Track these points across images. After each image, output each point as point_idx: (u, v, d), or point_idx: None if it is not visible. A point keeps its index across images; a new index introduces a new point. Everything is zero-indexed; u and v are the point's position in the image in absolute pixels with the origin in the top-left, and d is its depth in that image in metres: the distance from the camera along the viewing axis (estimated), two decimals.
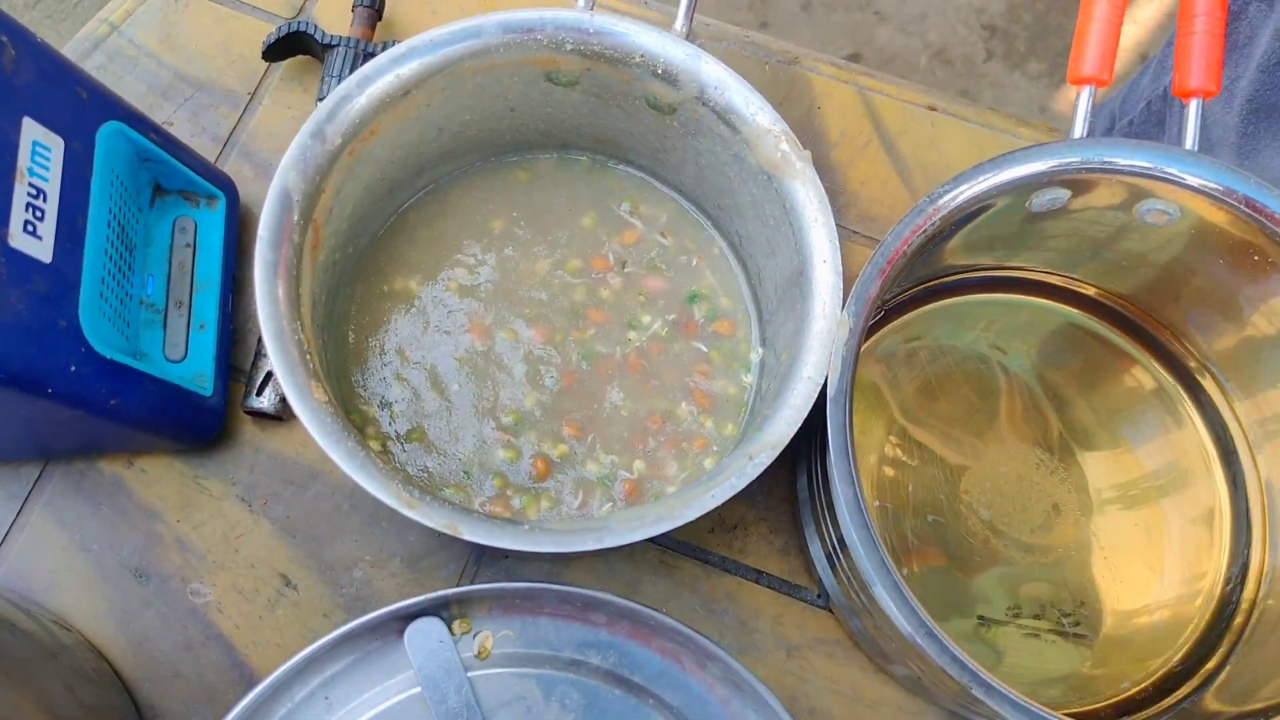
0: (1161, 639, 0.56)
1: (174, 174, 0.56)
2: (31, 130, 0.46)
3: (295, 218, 0.48)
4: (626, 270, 0.59)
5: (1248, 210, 0.49)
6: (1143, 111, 0.91)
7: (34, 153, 0.46)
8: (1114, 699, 0.55)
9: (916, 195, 0.65)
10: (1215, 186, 0.49)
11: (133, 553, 0.56)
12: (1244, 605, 0.54)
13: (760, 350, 0.58)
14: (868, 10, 1.94)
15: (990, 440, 0.60)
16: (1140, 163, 0.49)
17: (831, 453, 0.45)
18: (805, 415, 0.47)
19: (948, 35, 1.93)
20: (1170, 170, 0.49)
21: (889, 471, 0.59)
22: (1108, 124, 0.95)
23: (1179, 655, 0.55)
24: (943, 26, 1.93)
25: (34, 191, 0.45)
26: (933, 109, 0.67)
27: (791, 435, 0.46)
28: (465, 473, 0.55)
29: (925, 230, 0.49)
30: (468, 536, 0.44)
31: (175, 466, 0.58)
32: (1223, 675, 0.53)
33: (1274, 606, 0.53)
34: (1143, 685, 0.55)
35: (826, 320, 0.48)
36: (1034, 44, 1.91)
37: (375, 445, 0.55)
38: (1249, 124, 0.74)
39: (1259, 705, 0.47)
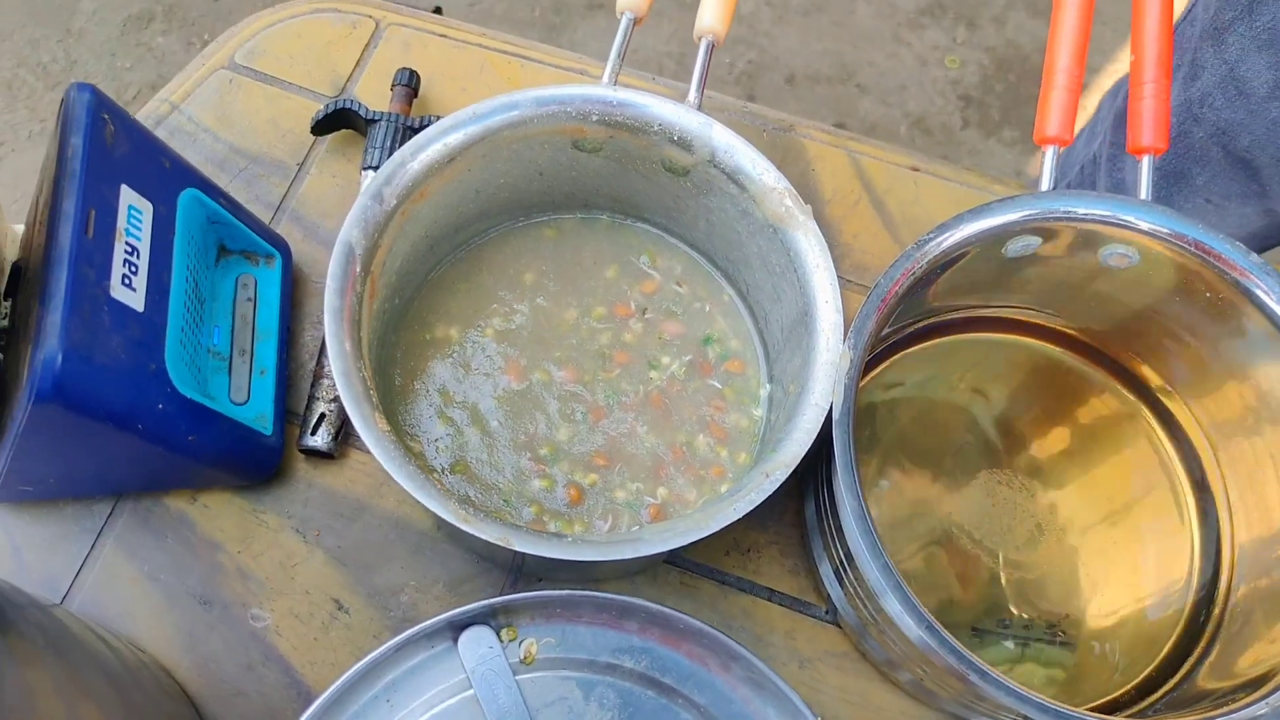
0: (1146, 640, 0.61)
1: (237, 235, 0.63)
2: (128, 196, 0.52)
3: (357, 269, 0.54)
4: (647, 316, 0.65)
5: (1197, 252, 0.55)
6: (1077, 175, 1.00)
7: (130, 215, 0.52)
8: (1104, 698, 0.60)
9: (903, 246, 0.71)
10: (1165, 231, 0.55)
11: (197, 582, 0.61)
12: (1219, 597, 0.60)
13: (768, 386, 0.64)
14: (849, 83, 2.04)
15: (975, 471, 0.65)
16: (1098, 211, 0.56)
17: (838, 468, 0.51)
18: (815, 436, 0.53)
19: (926, 105, 2.03)
20: (1124, 217, 0.55)
21: (883, 504, 0.64)
22: (1051, 185, 1.04)
23: (1163, 653, 0.60)
24: (921, 98, 2.03)
25: (130, 249, 0.52)
26: (916, 169, 0.75)
27: (804, 454, 0.52)
28: (505, 501, 0.60)
29: (914, 272, 0.55)
30: (518, 547, 0.49)
31: (235, 502, 0.63)
32: (1206, 664, 0.58)
33: (1244, 592, 0.58)
34: (1130, 685, 0.60)
35: (830, 353, 0.54)
36: (1007, 113, 2.02)
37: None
38: (1159, 190, 0.83)
39: (1240, 680, 0.52)
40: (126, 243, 0.52)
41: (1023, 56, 2.06)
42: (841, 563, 0.58)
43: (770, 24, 2.09)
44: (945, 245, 0.56)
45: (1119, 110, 0.93)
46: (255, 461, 0.60)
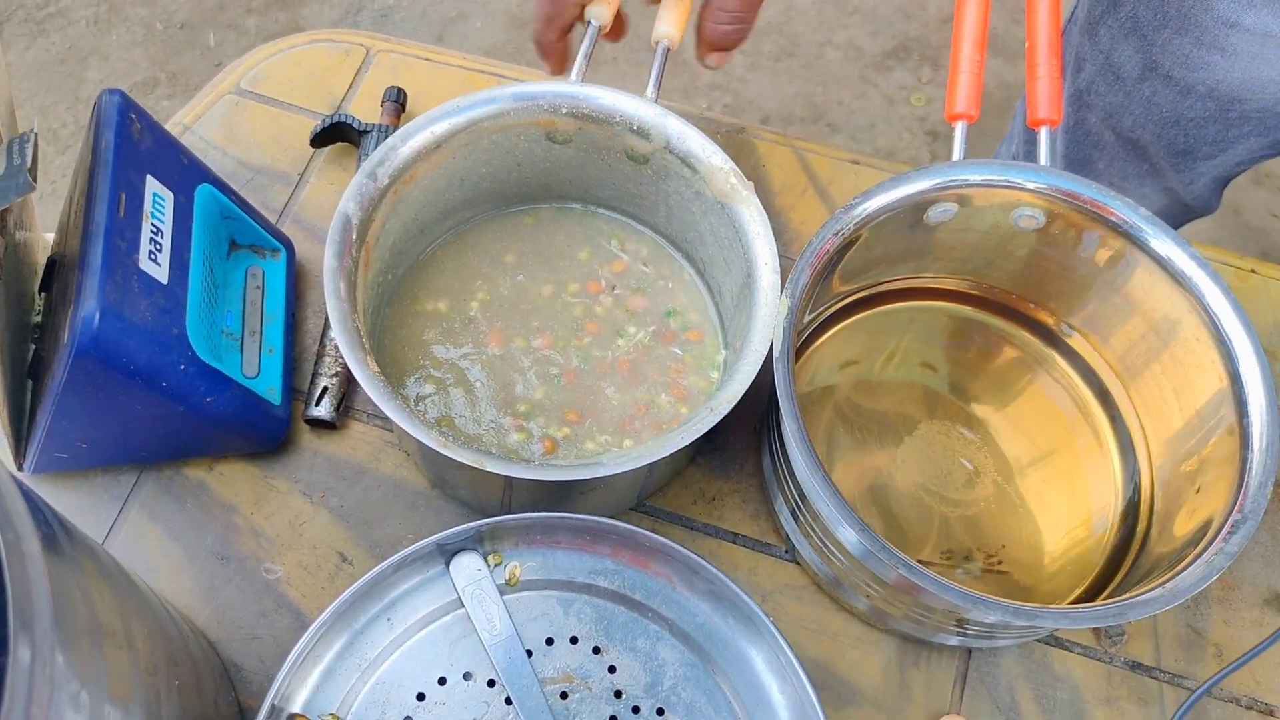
0: (1077, 564, 0.67)
1: (247, 231, 0.70)
2: (152, 184, 0.60)
3: (353, 236, 0.61)
4: (616, 292, 0.72)
5: (1091, 208, 0.63)
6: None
7: (154, 201, 0.60)
8: None
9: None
10: (1060, 191, 0.63)
11: (215, 540, 0.68)
12: (1142, 514, 0.66)
13: (724, 352, 0.71)
14: (820, 122, 2.14)
15: (918, 424, 0.72)
16: (998, 176, 0.64)
17: (780, 398, 0.58)
18: (754, 374, 0.59)
19: (894, 141, 2.13)
20: (1016, 180, 0.63)
21: (835, 453, 0.71)
22: None
23: (1094, 574, 0.67)
24: (889, 134, 2.14)
25: (155, 229, 0.59)
26: (856, 162, 0.83)
27: (744, 390, 0.59)
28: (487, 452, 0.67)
29: (843, 233, 0.63)
30: (490, 468, 0.56)
31: (248, 469, 0.70)
32: (1145, 555, 0.64)
33: (1161, 509, 0.65)
34: (1070, 599, 0.66)
35: (769, 307, 0.61)
36: (971, 146, 2.11)
37: None
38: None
39: (1182, 540, 0.59)
40: (152, 224, 0.59)
41: (985, 93, 2.16)
42: (796, 502, 0.64)
43: (744, 70, 2.20)
44: (871, 209, 0.63)
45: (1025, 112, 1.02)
46: (266, 429, 0.67)
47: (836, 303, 0.74)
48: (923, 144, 2.13)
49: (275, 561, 0.67)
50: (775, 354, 0.59)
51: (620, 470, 0.56)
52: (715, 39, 0.66)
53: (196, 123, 0.82)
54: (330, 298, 0.59)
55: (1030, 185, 0.63)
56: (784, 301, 0.60)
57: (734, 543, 0.70)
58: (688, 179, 0.67)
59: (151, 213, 0.59)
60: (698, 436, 0.58)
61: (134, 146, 0.59)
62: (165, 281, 0.59)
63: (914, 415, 0.73)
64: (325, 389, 0.70)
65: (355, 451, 0.71)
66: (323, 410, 0.70)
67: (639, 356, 0.71)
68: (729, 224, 0.66)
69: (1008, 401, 0.72)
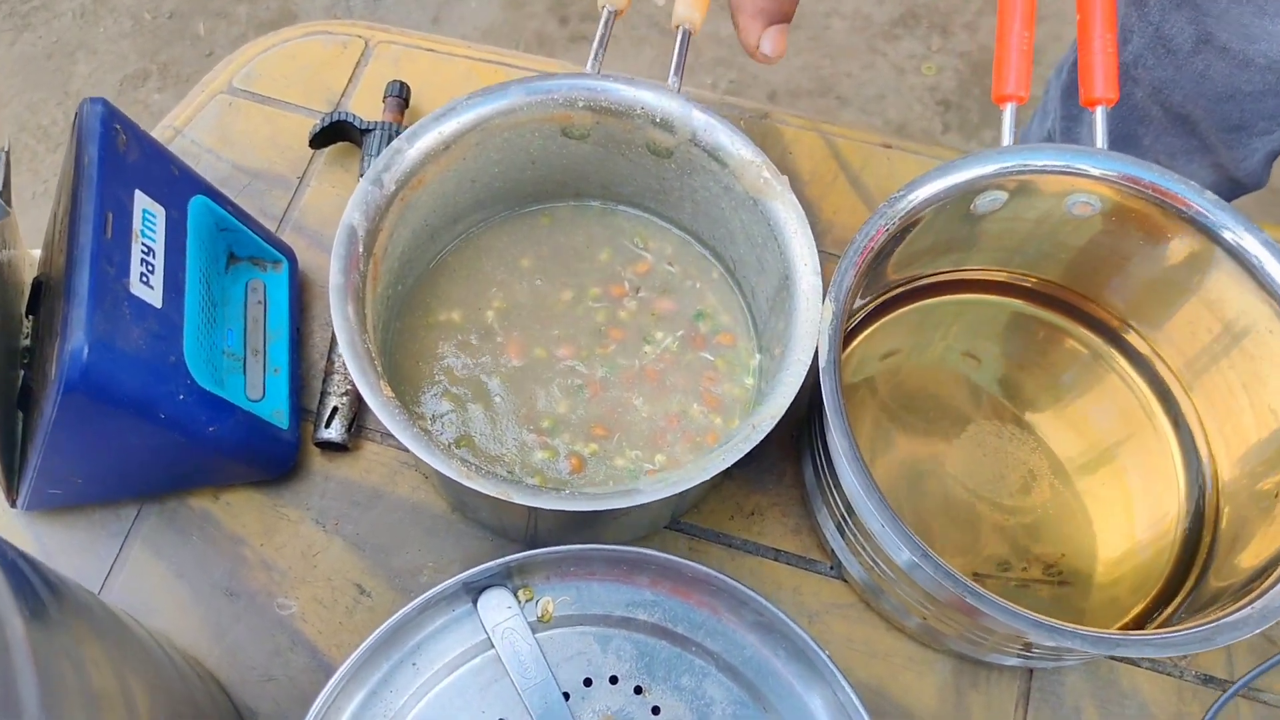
0: (1140, 575, 0.63)
1: (245, 242, 0.66)
2: (141, 200, 0.55)
3: (360, 249, 0.57)
4: (640, 295, 0.68)
5: (1154, 194, 0.58)
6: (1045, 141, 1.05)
7: (144, 218, 0.55)
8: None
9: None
10: (1117, 175, 0.58)
11: (223, 575, 0.63)
12: (1207, 525, 0.62)
13: (759, 356, 0.67)
14: (829, 95, 2.08)
15: (967, 424, 0.68)
16: (1056, 162, 0.59)
17: (829, 414, 0.54)
18: (798, 387, 0.55)
19: (905, 113, 2.07)
20: (1081, 165, 0.58)
21: (881, 469, 0.67)
22: None
23: (1158, 586, 0.63)
24: (900, 105, 2.08)
25: (146, 249, 0.55)
26: (888, 146, 0.78)
27: (788, 405, 0.55)
28: (509, 472, 0.63)
29: (888, 229, 0.58)
30: (517, 499, 0.51)
31: (256, 498, 0.65)
32: (1208, 577, 0.60)
33: (1231, 513, 0.60)
34: (1132, 614, 0.62)
35: (810, 312, 0.57)
36: (985, 115, 2.06)
37: None
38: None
39: (1245, 576, 0.54)
40: (142, 243, 0.55)
41: None
42: (842, 515, 0.60)
43: None
44: (917, 201, 0.59)
45: (1065, 85, 0.97)
46: (273, 455, 0.63)
47: (878, 296, 0.70)
48: (935, 115, 2.07)
49: (288, 596, 0.63)
50: (821, 365, 0.54)
51: (656, 498, 0.52)
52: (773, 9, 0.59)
53: (188, 125, 0.77)
54: (338, 318, 0.54)
55: (1095, 171, 0.58)
56: (828, 307, 0.56)
57: (775, 560, 0.65)
58: (715, 173, 0.62)
59: (142, 231, 0.55)
60: (740, 457, 0.53)
61: (120, 160, 0.55)
62: (159, 305, 0.55)
63: (963, 414, 0.68)
64: (335, 409, 0.66)
65: (369, 474, 0.66)
66: (334, 432, 0.65)
67: (668, 364, 0.66)
68: (762, 221, 0.61)
69: (1063, 400, 0.68)
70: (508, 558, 0.53)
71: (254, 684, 0.61)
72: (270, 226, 0.73)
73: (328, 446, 0.66)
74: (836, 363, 0.54)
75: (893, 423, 0.68)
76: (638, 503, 0.52)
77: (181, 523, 0.65)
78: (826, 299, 0.56)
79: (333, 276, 0.56)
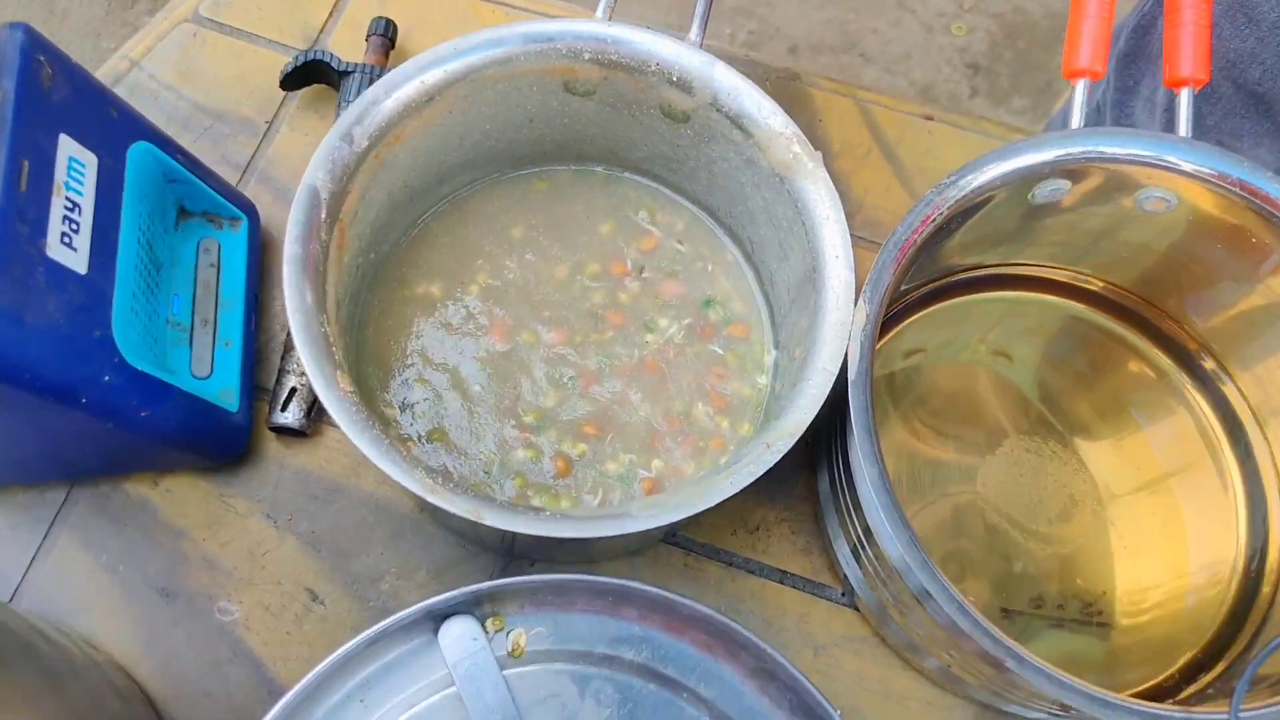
0: (1190, 621, 0.56)
1: (198, 195, 0.58)
2: (67, 146, 0.47)
3: (323, 215, 0.49)
4: (644, 275, 0.60)
5: (1242, 193, 0.50)
6: (1092, 115, 0.95)
7: (70, 168, 0.47)
8: (1147, 683, 0.55)
9: (918, 199, 0.67)
10: (1210, 172, 0.50)
11: (159, 573, 0.56)
12: (1268, 576, 0.55)
13: (774, 352, 0.59)
14: (853, 52, 1.98)
15: (1002, 438, 0.60)
16: (1137, 151, 0.51)
17: (855, 434, 0.46)
18: (821, 403, 0.48)
19: (932, 74, 1.97)
20: (1166, 157, 0.50)
21: (904, 479, 0.59)
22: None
23: (1209, 634, 0.56)
24: (927, 66, 1.98)
25: (70, 205, 0.47)
26: (929, 118, 0.69)
27: (809, 421, 0.47)
28: (486, 472, 0.55)
29: (934, 220, 0.50)
30: (489, 521, 0.44)
31: (200, 485, 0.58)
32: (1259, 644, 0.53)
33: None
34: (1174, 668, 0.55)
35: (840, 312, 0.49)
36: (1016, 80, 1.96)
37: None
38: (1166, 130, 0.78)
39: None
40: (66, 198, 0.47)
41: (1031, 23, 2.00)
42: (859, 539, 0.53)
43: None
44: (969, 189, 0.51)
45: (1121, 53, 0.87)
46: (219, 441, 0.56)
47: (912, 289, 0.62)
48: (962, 77, 1.97)
49: (231, 599, 0.56)
50: (851, 377, 0.47)
51: (647, 527, 0.45)
52: None
53: (146, 57, 0.68)
54: (291, 297, 0.47)
55: (1186, 166, 0.50)
56: (861, 309, 0.48)
57: (781, 582, 0.58)
58: (738, 144, 0.54)
59: (66, 183, 0.47)
60: (751, 482, 0.46)
61: (42, 98, 0.46)
62: (84, 271, 0.47)
63: (998, 427, 0.61)
64: (294, 390, 0.58)
65: (330, 465, 0.59)
66: (290, 417, 0.58)
67: (671, 355, 0.59)
68: (789, 202, 0.53)
69: (1115, 420, 0.60)
70: (476, 586, 0.46)
71: (189, 699, 0.54)
72: (232, 176, 0.65)
73: (284, 431, 0.59)
74: (868, 376, 0.47)
75: (917, 431, 0.60)
76: (627, 530, 0.45)
77: (116, 510, 0.57)
78: (860, 299, 0.48)
79: (288, 246, 0.48)
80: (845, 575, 0.57)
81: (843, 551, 0.56)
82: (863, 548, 0.53)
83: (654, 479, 0.56)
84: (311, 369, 0.46)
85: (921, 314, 0.62)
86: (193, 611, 0.56)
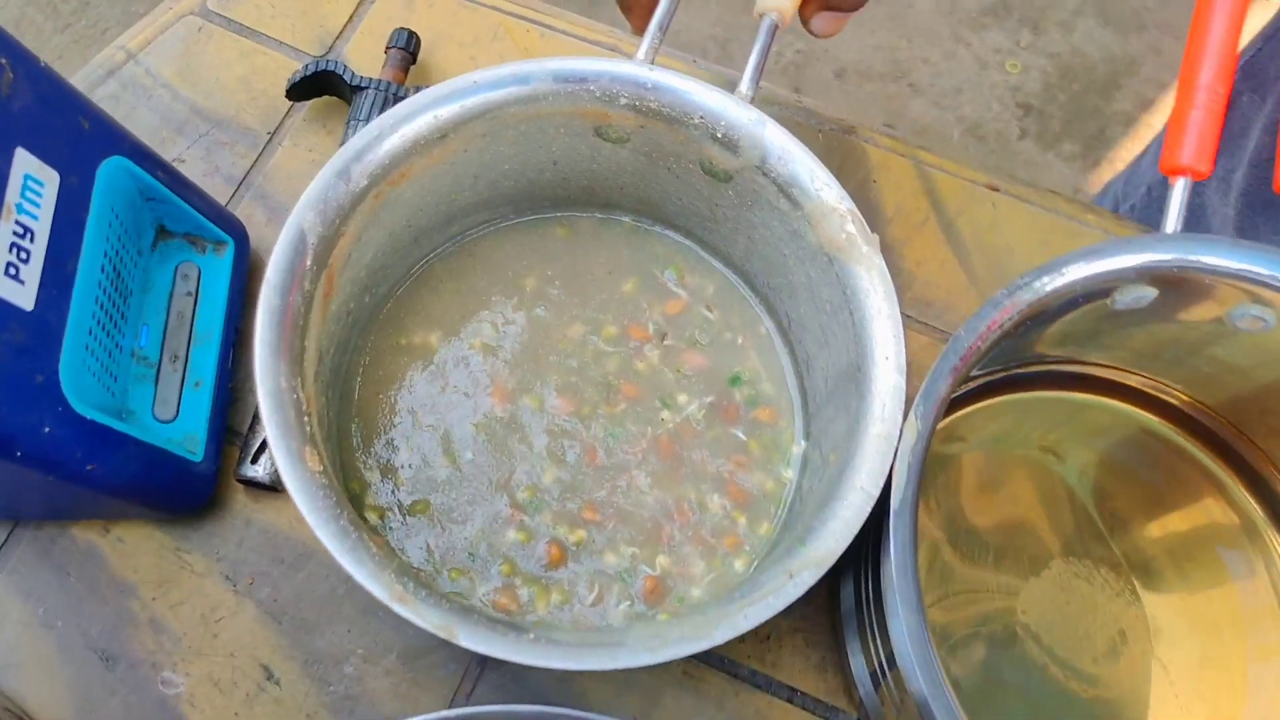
0: None
1: (181, 216, 0.52)
2: (24, 162, 0.41)
3: (308, 263, 0.43)
4: (666, 343, 0.54)
5: None
6: (1144, 196, 0.88)
7: (25, 187, 0.41)
8: None
9: (976, 279, 0.60)
10: None
11: (101, 633, 0.51)
12: None
13: (803, 444, 0.53)
14: (901, 82, 1.91)
15: (1050, 556, 0.54)
16: (1238, 264, 0.44)
17: (894, 573, 0.40)
18: (856, 531, 0.42)
19: (982, 111, 1.90)
20: (1261, 271, 0.44)
21: (934, 588, 0.53)
22: (1112, 206, 0.92)
23: None
24: (977, 102, 1.91)
25: (20, 230, 0.41)
26: (994, 189, 0.63)
27: (840, 553, 0.41)
28: (470, 554, 0.50)
29: (1002, 325, 0.44)
30: (464, 643, 0.38)
31: (155, 536, 0.52)
32: None
33: None
34: None
35: (885, 424, 0.43)
36: (1068, 124, 1.89)
37: (373, 517, 0.50)
38: (1245, 218, 0.70)
39: None
40: (17, 222, 0.41)
41: (1089, 66, 1.93)
42: (881, 665, 0.47)
43: None
44: (1044, 292, 0.44)
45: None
46: (179, 493, 0.50)
47: (961, 384, 0.55)
48: (1013, 117, 1.90)
49: (178, 670, 0.50)
50: (894, 506, 0.40)
51: (643, 663, 0.39)
52: None
53: (145, 50, 0.62)
54: (262, 355, 0.41)
55: None
56: (911, 426, 0.42)
57: (790, 701, 0.52)
58: (784, 213, 0.48)
59: (19, 205, 0.41)
60: (770, 617, 0.40)
61: (1, 107, 0.41)
62: (30, 307, 0.41)
63: (1046, 545, 0.54)
64: (267, 441, 0.52)
65: (300, 525, 0.53)
66: (261, 471, 0.52)
67: (688, 437, 0.53)
68: (835, 286, 0.47)
69: (1180, 555, 0.54)
70: (445, 713, 0.40)
71: None
72: (225, 191, 0.59)
73: (254, 485, 0.53)
74: (914, 507, 0.41)
75: (958, 528, 0.54)
76: (619, 665, 0.39)
77: (59, 557, 0.52)
78: (911, 414, 0.42)
79: (265, 296, 0.42)
80: (862, 700, 0.51)
81: (860, 675, 0.50)
82: (883, 673, 0.47)
83: (657, 578, 0.50)
84: (277, 443, 0.40)
85: (971, 408, 0.56)
86: (134, 680, 0.50)
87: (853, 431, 0.44)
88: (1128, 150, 1.83)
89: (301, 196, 0.43)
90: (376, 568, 0.39)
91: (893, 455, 0.42)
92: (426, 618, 0.38)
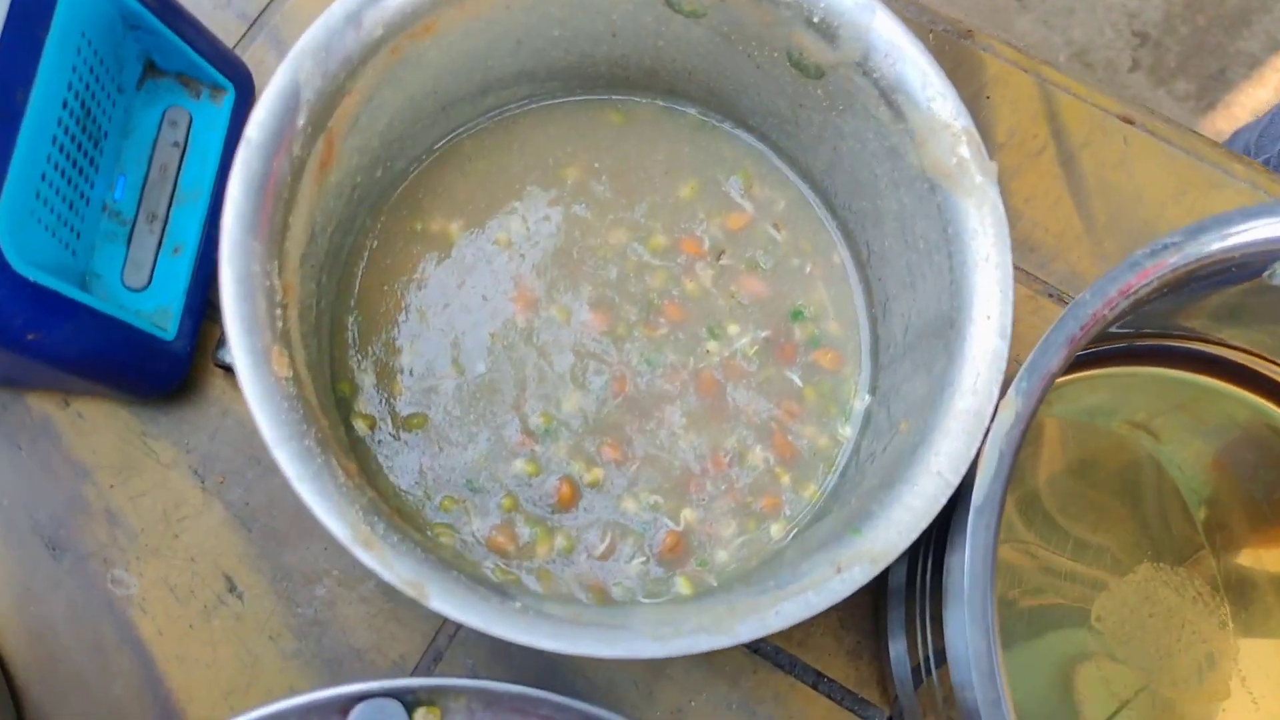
0: None
1: (172, 52, 0.44)
2: None
3: (301, 122, 0.35)
4: (722, 262, 0.46)
5: None
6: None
7: None
8: None
9: (1093, 227, 0.51)
10: None
11: (50, 518, 0.45)
12: None
13: (868, 399, 0.45)
14: None
15: (1137, 559, 0.47)
16: None
17: (965, 581, 0.33)
18: (925, 526, 0.34)
19: (1093, 35, 1.75)
20: None
21: (1002, 570, 0.46)
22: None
23: None
24: (1089, 24, 1.75)
25: None
26: (1128, 121, 0.53)
27: (902, 549, 0.34)
28: (469, 482, 0.43)
29: (1137, 292, 0.36)
30: (436, 605, 0.32)
31: (120, 416, 0.46)
32: None
33: None
34: None
35: (977, 398, 0.35)
36: (1186, 61, 1.73)
37: (361, 426, 0.43)
38: None
39: None
40: None
41: None
42: (927, 662, 0.40)
43: None
44: (1199, 257, 0.36)
45: None
46: (144, 373, 0.43)
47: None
48: (1125, 46, 1.75)
49: (131, 569, 0.45)
50: (975, 502, 0.33)
51: (651, 654, 0.32)
52: None
53: None
54: (232, 230, 0.34)
55: None
56: (1009, 405, 0.34)
57: (814, 686, 0.45)
58: (883, 124, 0.39)
59: None
60: (808, 617, 0.33)
61: None
62: None
63: (1135, 544, 0.47)
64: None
65: None
66: None
67: (734, 375, 0.45)
68: (935, 220, 0.38)
69: None
70: (414, 681, 0.34)
71: (56, 682, 0.44)
72: (238, 27, 0.51)
73: (234, 370, 0.46)
74: (1000, 504, 0.33)
75: (1027, 521, 0.47)
76: (617, 653, 0.32)
77: (11, 427, 0.46)
78: (1011, 391, 0.34)
79: (242, 157, 0.34)
80: (897, 696, 0.44)
81: (900, 667, 0.43)
82: (927, 668, 0.40)
83: (680, 535, 0.43)
84: (238, 338, 0.33)
85: (1069, 377, 0.48)
86: (82, 574, 0.45)
87: (934, 399, 0.36)
88: (1248, 95, 1.68)
89: (299, 41, 0.35)
90: (342, 502, 0.32)
91: (981, 437, 0.34)
92: (395, 569, 0.32)
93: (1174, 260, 0.35)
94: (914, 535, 0.34)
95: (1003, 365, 0.35)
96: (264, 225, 0.34)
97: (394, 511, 0.42)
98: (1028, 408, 0.34)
